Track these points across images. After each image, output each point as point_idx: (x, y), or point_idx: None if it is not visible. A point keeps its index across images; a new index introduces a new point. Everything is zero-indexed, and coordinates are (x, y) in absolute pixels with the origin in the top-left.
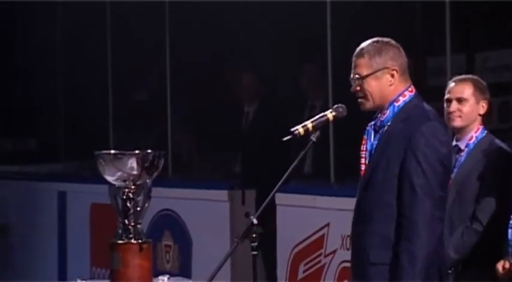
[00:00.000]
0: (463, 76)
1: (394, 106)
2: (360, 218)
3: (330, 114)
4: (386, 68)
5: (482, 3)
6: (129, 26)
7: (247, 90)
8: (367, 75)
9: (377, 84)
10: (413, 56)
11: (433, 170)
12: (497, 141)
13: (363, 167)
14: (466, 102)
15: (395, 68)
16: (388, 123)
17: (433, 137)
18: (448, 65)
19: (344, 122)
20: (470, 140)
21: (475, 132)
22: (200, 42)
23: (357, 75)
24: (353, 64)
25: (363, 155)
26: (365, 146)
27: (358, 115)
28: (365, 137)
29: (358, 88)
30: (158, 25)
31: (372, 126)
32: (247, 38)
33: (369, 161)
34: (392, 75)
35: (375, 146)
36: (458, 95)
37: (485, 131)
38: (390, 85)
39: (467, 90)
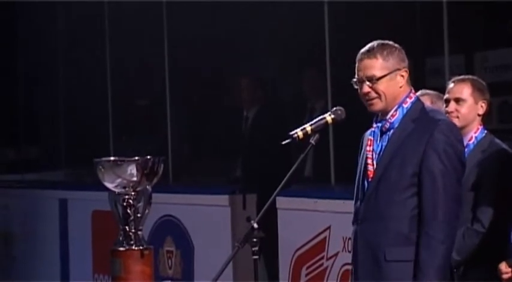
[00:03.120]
0: (462, 76)
1: (403, 108)
2: (370, 216)
3: (328, 117)
4: (399, 69)
5: (480, 3)
6: (127, 33)
7: (246, 95)
8: (382, 77)
9: (390, 86)
10: (412, 57)
11: (453, 168)
12: (497, 141)
13: (370, 168)
14: (464, 103)
15: (405, 69)
16: (397, 125)
17: (452, 135)
18: (446, 66)
19: (344, 124)
20: (469, 140)
21: (475, 133)
22: (199, 47)
23: (369, 77)
24: (361, 65)
25: (370, 156)
26: (372, 147)
27: (357, 117)
28: (371, 138)
29: (370, 90)
30: (157, 30)
31: (379, 128)
32: (246, 43)
33: (378, 161)
34: (403, 77)
35: (383, 147)
36: (457, 95)
37: (485, 131)
38: (400, 87)
39: (465, 91)
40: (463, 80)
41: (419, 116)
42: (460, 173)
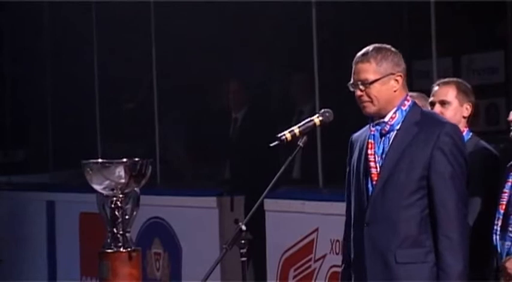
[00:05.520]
0: (447, 79)
1: (402, 110)
2: (377, 219)
3: (316, 119)
4: (392, 73)
5: (468, 6)
6: (115, 35)
7: (234, 97)
8: (374, 81)
9: (383, 90)
10: None
11: (461, 169)
12: (483, 143)
13: (373, 171)
14: (449, 105)
15: (400, 73)
16: (397, 127)
17: (457, 137)
18: (434, 68)
19: (331, 126)
20: None
21: None
22: (187, 50)
23: (362, 81)
24: (355, 69)
25: (372, 159)
26: (373, 150)
27: (345, 120)
28: (371, 141)
29: (363, 93)
30: (145, 33)
31: (378, 131)
32: (234, 45)
33: (382, 164)
34: (397, 81)
35: (386, 149)
36: (441, 98)
37: (471, 133)
38: (395, 91)
39: (450, 93)
40: (447, 83)
41: (420, 119)
42: (465, 174)
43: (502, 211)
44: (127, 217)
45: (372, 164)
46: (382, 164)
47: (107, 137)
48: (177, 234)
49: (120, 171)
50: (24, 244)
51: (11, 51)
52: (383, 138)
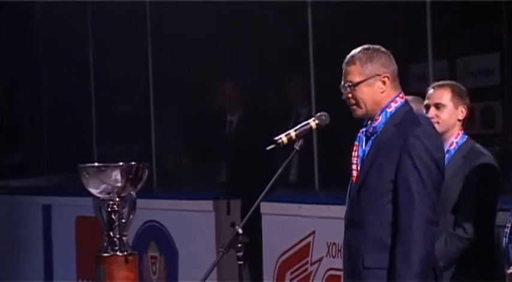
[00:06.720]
0: (442, 82)
1: (386, 112)
2: (353, 223)
3: (312, 122)
4: (378, 75)
5: (464, 9)
6: (111, 38)
7: (230, 100)
8: (359, 82)
9: (369, 91)
10: (396, 63)
11: (429, 174)
12: (478, 147)
13: (354, 173)
14: (444, 108)
15: (387, 75)
16: (380, 129)
17: (428, 141)
18: (430, 71)
19: (328, 130)
20: (450, 146)
21: (455, 138)
22: (183, 51)
23: (348, 83)
24: (344, 71)
25: (355, 161)
26: (357, 152)
27: (341, 123)
28: (356, 143)
29: (350, 95)
30: (141, 35)
31: (364, 133)
32: (231, 47)
33: (361, 167)
34: (384, 82)
35: (367, 152)
36: (436, 101)
37: (466, 136)
38: (382, 92)
39: (445, 96)
40: (442, 86)
41: (400, 121)
42: (437, 180)
43: None
44: (123, 221)
45: (354, 166)
46: (360, 167)
47: (103, 139)
48: (174, 237)
49: (117, 174)
50: (20, 248)
51: (5, 53)
52: (368, 141)
